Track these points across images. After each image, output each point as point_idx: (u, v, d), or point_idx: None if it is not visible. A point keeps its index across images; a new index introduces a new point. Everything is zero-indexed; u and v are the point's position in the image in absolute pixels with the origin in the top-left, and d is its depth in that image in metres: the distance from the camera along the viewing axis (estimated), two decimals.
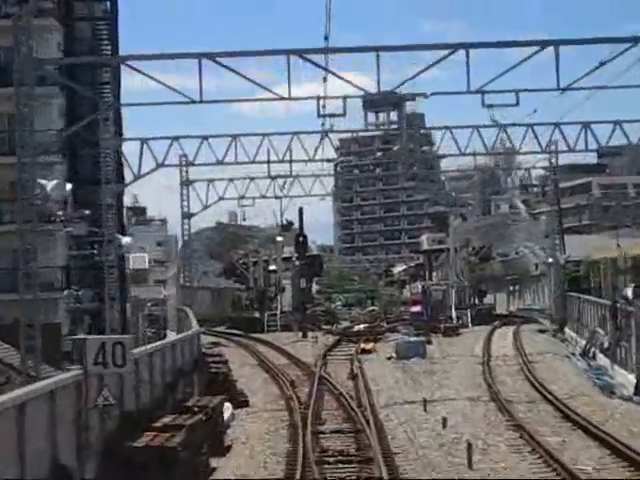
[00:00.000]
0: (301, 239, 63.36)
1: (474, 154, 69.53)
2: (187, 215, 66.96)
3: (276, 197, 68.05)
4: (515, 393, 34.93)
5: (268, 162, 50.61)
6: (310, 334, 64.06)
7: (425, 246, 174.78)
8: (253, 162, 50.36)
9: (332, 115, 39.08)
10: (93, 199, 51.54)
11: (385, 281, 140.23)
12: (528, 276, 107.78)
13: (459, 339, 60.91)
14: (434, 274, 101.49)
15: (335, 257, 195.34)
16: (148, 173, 50.98)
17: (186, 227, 68.31)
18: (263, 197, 67.85)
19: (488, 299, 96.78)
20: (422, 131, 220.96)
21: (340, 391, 35.48)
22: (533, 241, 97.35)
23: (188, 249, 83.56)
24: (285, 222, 76.72)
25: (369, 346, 54.42)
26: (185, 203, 67.22)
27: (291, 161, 51.28)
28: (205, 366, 34.76)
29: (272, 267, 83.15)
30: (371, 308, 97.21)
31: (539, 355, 48.22)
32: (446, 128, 52.49)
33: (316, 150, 51.84)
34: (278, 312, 76.36)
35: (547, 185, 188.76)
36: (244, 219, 71.56)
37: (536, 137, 49.43)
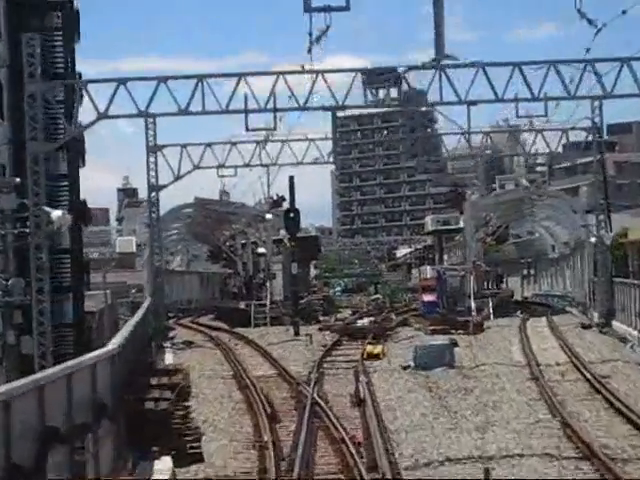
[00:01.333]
0: (292, 215, 50.65)
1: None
2: (155, 187, 54.41)
3: (262, 165, 55.60)
4: (613, 439, 22.35)
5: (245, 112, 37.89)
6: (304, 333, 51.69)
7: (429, 227, 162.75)
8: (227, 111, 37.77)
9: None
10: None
11: (388, 265, 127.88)
12: (545, 258, 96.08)
13: (486, 337, 48.50)
14: (444, 257, 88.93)
15: (334, 240, 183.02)
16: (89, 126, 38.85)
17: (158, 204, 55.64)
18: (247, 165, 55.39)
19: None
20: (423, 109, 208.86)
21: (341, 434, 23.06)
22: (554, 219, 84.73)
23: (161, 228, 71.20)
24: (276, 197, 64.37)
25: (377, 349, 42.01)
26: (153, 173, 54.68)
27: (275, 110, 38.54)
28: (132, 403, 22.17)
29: (261, 250, 70.90)
30: (375, 296, 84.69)
31: (604, 364, 35.82)
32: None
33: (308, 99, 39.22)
34: (267, 303, 63.97)
35: (554, 164, 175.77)
36: (224, 192, 58.69)
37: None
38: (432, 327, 51.31)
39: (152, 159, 54.86)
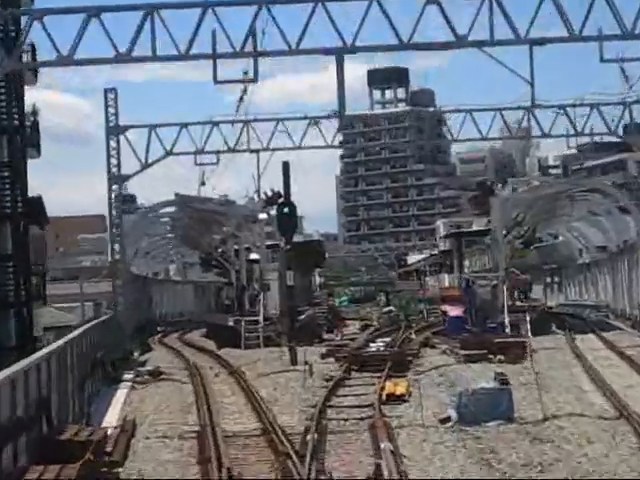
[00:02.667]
0: (286, 210, 38.64)
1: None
2: (118, 178, 42.98)
3: (251, 150, 44.17)
4: None
5: (214, 57, 26.33)
6: (303, 359, 40.00)
7: (441, 232, 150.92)
8: (187, 57, 26.26)
9: None
10: None
11: (398, 272, 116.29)
12: (572, 264, 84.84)
13: (538, 366, 36.80)
14: (465, 263, 77.28)
15: (339, 246, 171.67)
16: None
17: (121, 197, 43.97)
18: (232, 150, 43.97)
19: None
20: (431, 109, 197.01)
21: None
22: (587, 221, 73.04)
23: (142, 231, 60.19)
24: (270, 193, 52.83)
25: (400, 387, 30.36)
26: (114, 161, 43.25)
27: (256, 53, 26.89)
28: None
29: (254, 256, 59.50)
30: (387, 308, 73.04)
31: None
32: None
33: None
34: (260, 319, 52.39)
35: (570, 164, 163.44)
36: (203, 183, 46.97)
37: None
38: (465, 352, 39.68)
39: (113, 143, 43.53)
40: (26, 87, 50.71)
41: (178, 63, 27.72)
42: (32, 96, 50.70)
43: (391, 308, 71.29)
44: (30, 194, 48.85)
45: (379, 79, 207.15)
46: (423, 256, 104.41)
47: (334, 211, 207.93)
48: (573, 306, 79.28)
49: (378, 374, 35.47)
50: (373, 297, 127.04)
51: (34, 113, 51.42)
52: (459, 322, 51.01)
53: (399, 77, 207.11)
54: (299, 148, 43.48)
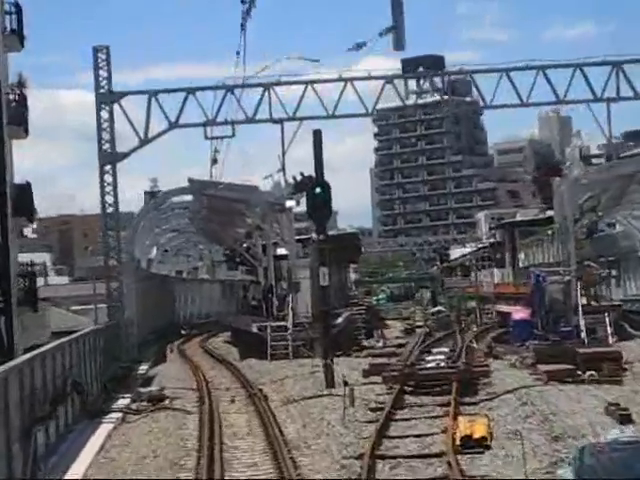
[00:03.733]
0: (318, 191, 29.92)
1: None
2: (110, 156, 34.44)
3: (274, 121, 35.52)
4: None
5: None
6: (341, 377, 31.30)
7: (483, 225, 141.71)
8: None
9: None
10: None
11: (440, 267, 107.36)
12: (633, 257, 75.62)
13: None
14: (520, 257, 68.22)
15: (375, 241, 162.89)
16: None
17: (108, 180, 35.14)
18: (250, 120, 35.35)
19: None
20: (469, 98, 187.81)
21: None
22: None
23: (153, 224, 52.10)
24: (300, 176, 44.10)
25: (479, 428, 21.51)
26: (107, 135, 34.71)
27: None
28: None
29: (281, 251, 51.03)
30: (436, 308, 64.14)
31: None
32: None
33: None
34: (289, 324, 43.77)
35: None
36: (215, 160, 37.86)
37: None
38: (546, 369, 30.82)
39: (105, 114, 35.05)
40: (9, 54, 42.43)
41: None
42: (19, 64, 42.45)
43: (440, 308, 62.44)
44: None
45: (414, 68, 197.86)
46: (468, 250, 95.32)
47: (368, 205, 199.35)
48: (636, 302, 70.41)
49: (440, 399, 26.93)
50: (412, 294, 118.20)
51: (20, 85, 42.96)
52: (526, 326, 42.21)
53: (435, 65, 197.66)
54: (333, 117, 34.88)
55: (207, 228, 63.65)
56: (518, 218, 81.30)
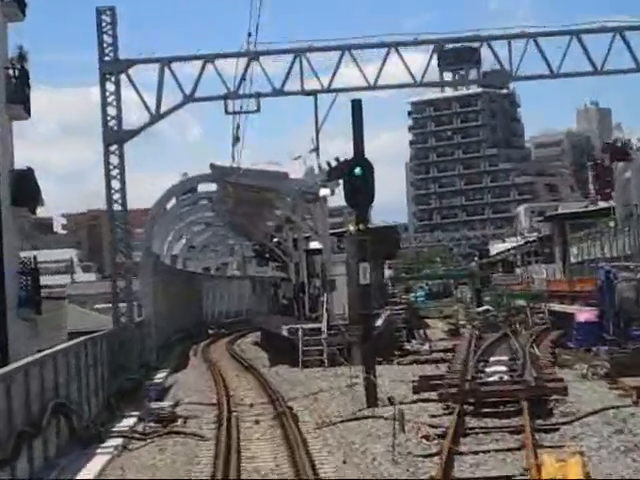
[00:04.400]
0: (358, 171, 24.83)
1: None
2: (116, 135, 29.42)
3: (306, 93, 30.39)
4: None
5: None
6: (385, 393, 26.10)
7: (522, 220, 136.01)
8: None
9: None
10: None
11: (480, 263, 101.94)
12: None
13: None
14: (572, 251, 62.65)
15: (411, 236, 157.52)
16: None
17: (115, 163, 29.99)
18: (278, 92, 30.23)
19: None
20: (505, 90, 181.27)
21: None
22: None
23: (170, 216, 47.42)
24: (335, 161, 38.94)
25: (572, 469, 16.26)
26: (113, 111, 29.73)
27: None
28: None
29: (314, 245, 46.00)
30: (483, 307, 58.76)
31: None
32: None
33: None
34: (324, 327, 38.61)
35: None
36: (237, 139, 32.53)
37: None
38: (636, 385, 25.48)
39: (110, 86, 30.07)
40: (9, 24, 37.71)
41: None
42: (17, 35, 37.64)
43: (488, 307, 57.10)
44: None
45: (450, 60, 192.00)
46: (509, 245, 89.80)
47: (403, 200, 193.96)
48: None
49: (508, 422, 21.78)
50: (449, 291, 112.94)
51: (22, 58, 38.11)
52: (592, 329, 36.94)
53: (471, 57, 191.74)
54: (373, 88, 29.75)
55: (234, 221, 58.69)
56: (562, 210, 75.92)
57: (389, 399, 24.76)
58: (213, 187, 48.69)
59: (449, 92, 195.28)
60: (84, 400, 24.28)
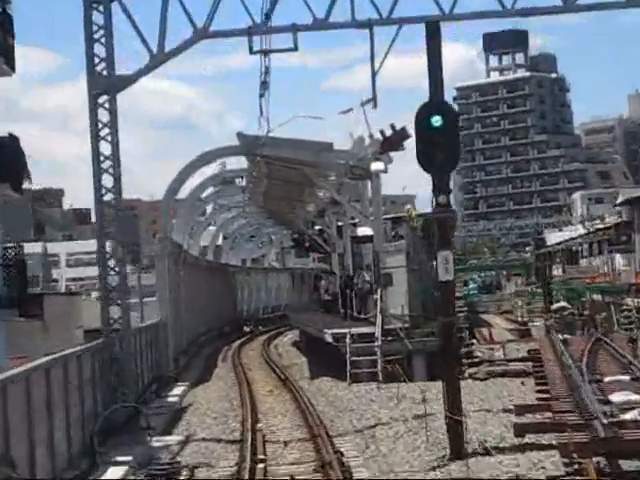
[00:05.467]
0: (437, 121, 17.32)
1: None
2: (107, 83, 21.77)
3: (358, 25, 22.50)
4: None
5: None
6: (478, 441, 18.19)
7: (578, 208, 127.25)
8: None
9: None
10: None
11: (537, 253, 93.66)
12: None
13: None
14: None
15: (459, 225, 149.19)
16: None
17: (104, 120, 22.14)
18: (322, 26, 22.35)
19: None
20: (554, 75, 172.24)
21: None
22: None
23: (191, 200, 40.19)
24: (391, 130, 31.02)
25: None
26: (100, 49, 22.05)
27: None
28: None
29: (363, 230, 38.13)
30: (560, 304, 50.47)
31: None
32: None
33: None
34: (377, 332, 30.62)
35: None
36: (263, 85, 24.53)
37: None
38: None
39: (99, 17, 22.37)
40: None
41: None
42: None
43: (564, 304, 48.91)
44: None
45: (495, 44, 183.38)
46: (572, 233, 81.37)
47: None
48: None
49: None
50: (500, 284, 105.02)
51: (3, 2, 30.52)
52: None
53: (517, 41, 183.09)
54: (448, 18, 21.86)
55: (269, 206, 50.97)
56: (620, 198, 67.62)
57: (485, 449, 16.90)
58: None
59: (495, 77, 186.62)
60: (46, 448, 16.61)
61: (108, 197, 23.08)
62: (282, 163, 34.31)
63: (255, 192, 45.36)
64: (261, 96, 23.00)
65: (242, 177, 42.94)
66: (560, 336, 36.06)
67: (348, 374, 29.78)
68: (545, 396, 22.16)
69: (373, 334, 30.64)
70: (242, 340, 56.51)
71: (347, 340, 30.27)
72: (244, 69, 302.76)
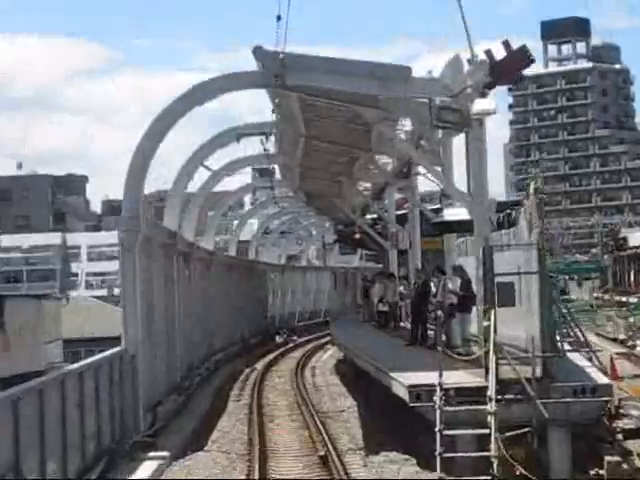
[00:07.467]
0: None
1: None
2: None
3: None
4: None
5: None
6: None
7: None
8: None
9: None
10: None
11: (616, 256, 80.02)
12: None
13: None
14: None
15: None
16: None
17: None
18: None
19: None
20: (617, 66, 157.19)
21: None
22: None
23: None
24: (504, 49, 18.36)
25: None
26: None
27: None
28: None
29: (455, 213, 24.82)
30: None
31: None
32: None
33: None
34: (491, 386, 17.23)
35: None
36: None
37: None
38: None
39: None
40: None
41: None
42: None
43: None
44: None
45: (555, 32, 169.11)
46: None
47: (501, 184, 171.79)
48: None
49: None
50: (565, 290, 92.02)
51: None
52: None
53: (578, 30, 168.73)
54: None
55: (305, 186, 37.61)
56: None
57: None
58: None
59: (554, 67, 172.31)
60: None
61: None
62: (325, 99, 21.01)
63: (282, 163, 31.96)
64: None
65: (264, 135, 29.48)
66: None
67: (438, 459, 16.38)
68: None
69: (481, 389, 17.22)
70: (269, 358, 43.54)
71: (437, 399, 16.85)
72: None
